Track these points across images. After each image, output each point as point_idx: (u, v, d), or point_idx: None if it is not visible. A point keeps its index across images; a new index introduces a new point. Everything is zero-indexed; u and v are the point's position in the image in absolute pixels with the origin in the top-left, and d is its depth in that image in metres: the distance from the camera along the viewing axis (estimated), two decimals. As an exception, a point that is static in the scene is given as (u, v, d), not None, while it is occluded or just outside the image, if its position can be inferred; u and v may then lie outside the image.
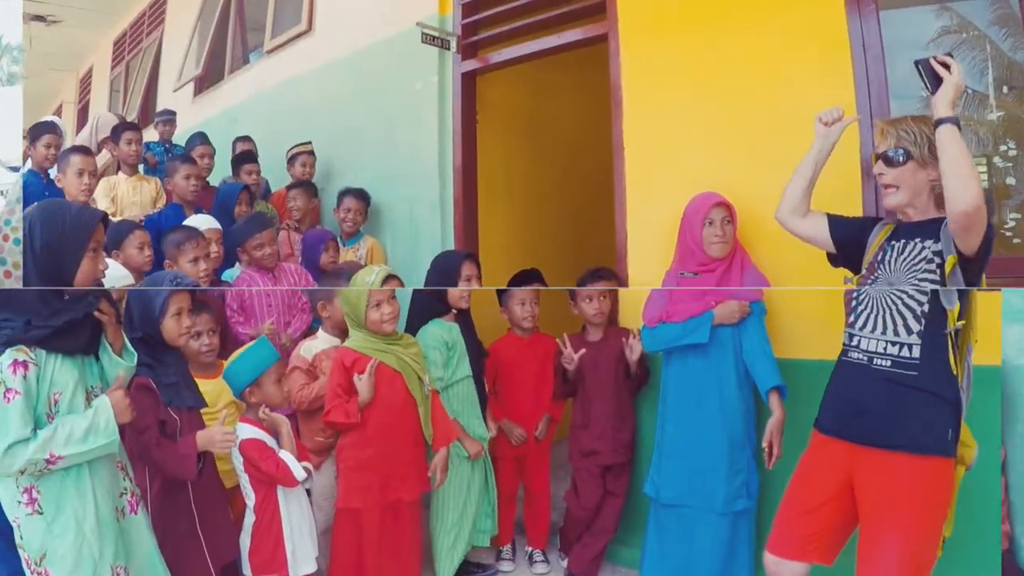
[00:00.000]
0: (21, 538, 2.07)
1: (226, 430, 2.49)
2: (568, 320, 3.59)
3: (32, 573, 2.08)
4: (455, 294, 3.31)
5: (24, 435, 1.97)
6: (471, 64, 4.37)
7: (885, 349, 2.16)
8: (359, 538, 2.95)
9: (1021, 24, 2.73)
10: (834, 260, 2.47)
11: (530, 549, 3.68)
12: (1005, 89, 2.97)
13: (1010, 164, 2.99)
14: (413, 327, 3.34)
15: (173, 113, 6.51)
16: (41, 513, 2.06)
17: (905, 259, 2.21)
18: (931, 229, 2.19)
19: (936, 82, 2.07)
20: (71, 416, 2.07)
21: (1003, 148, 2.98)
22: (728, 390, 2.94)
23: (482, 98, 4.57)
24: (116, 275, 2.92)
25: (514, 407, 3.57)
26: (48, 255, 2.09)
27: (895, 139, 2.21)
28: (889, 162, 2.22)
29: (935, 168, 2.14)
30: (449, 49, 4.38)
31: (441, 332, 3.29)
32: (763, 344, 2.93)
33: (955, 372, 2.10)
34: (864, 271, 2.31)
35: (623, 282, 3.56)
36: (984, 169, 3.09)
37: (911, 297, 2.14)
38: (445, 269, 3.38)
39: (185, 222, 3.82)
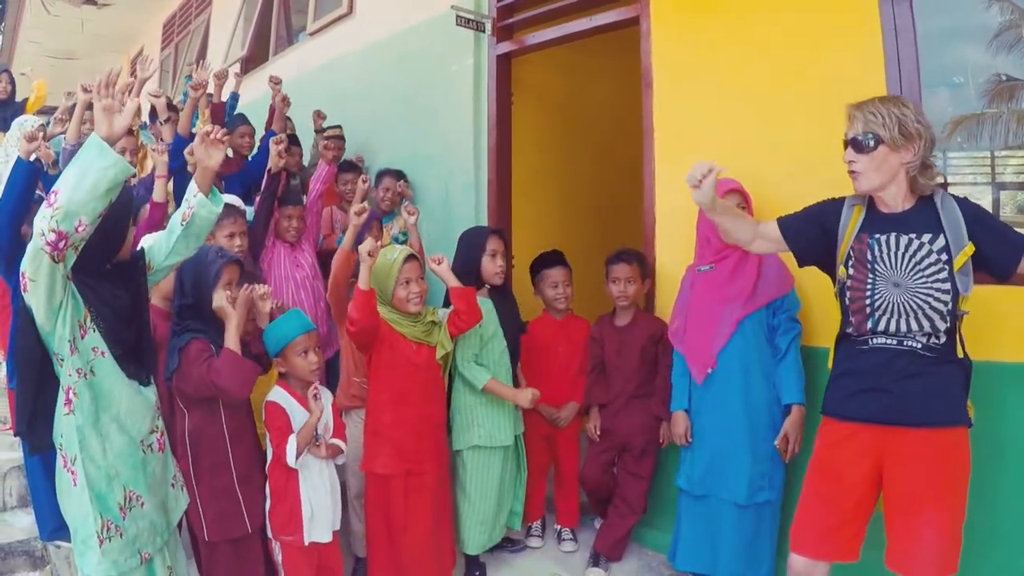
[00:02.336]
0: (61, 436, 2.15)
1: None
2: (602, 302, 3.62)
3: (66, 470, 2.15)
4: (489, 269, 3.33)
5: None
6: (506, 46, 4.41)
7: (915, 335, 2.14)
8: (387, 501, 3.01)
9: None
10: (801, 261, 2.44)
11: (559, 527, 3.72)
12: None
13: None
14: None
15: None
16: (73, 414, 2.12)
17: (905, 256, 2.15)
18: (921, 222, 2.16)
19: None
20: None
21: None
22: (754, 383, 2.94)
23: (517, 80, 4.60)
24: None
25: (545, 387, 3.54)
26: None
27: (863, 123, 2.15)
28: (859, 147, 2.16)
29: (908, 150, 2.12)
30: (484, 32, 4.42)
31: None
32: (796, 359, 2.92)
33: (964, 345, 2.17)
34: (852, 271, 2.24)
35: (651, 265, 3.57)
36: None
37: (937, 300, 2.10)
38: (472, 243, 3.40)
39: None
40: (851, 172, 2.20)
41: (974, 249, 2.09)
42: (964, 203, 2.16)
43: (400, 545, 3.00)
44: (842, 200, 2.33)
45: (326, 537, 2.80)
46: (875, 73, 2.84)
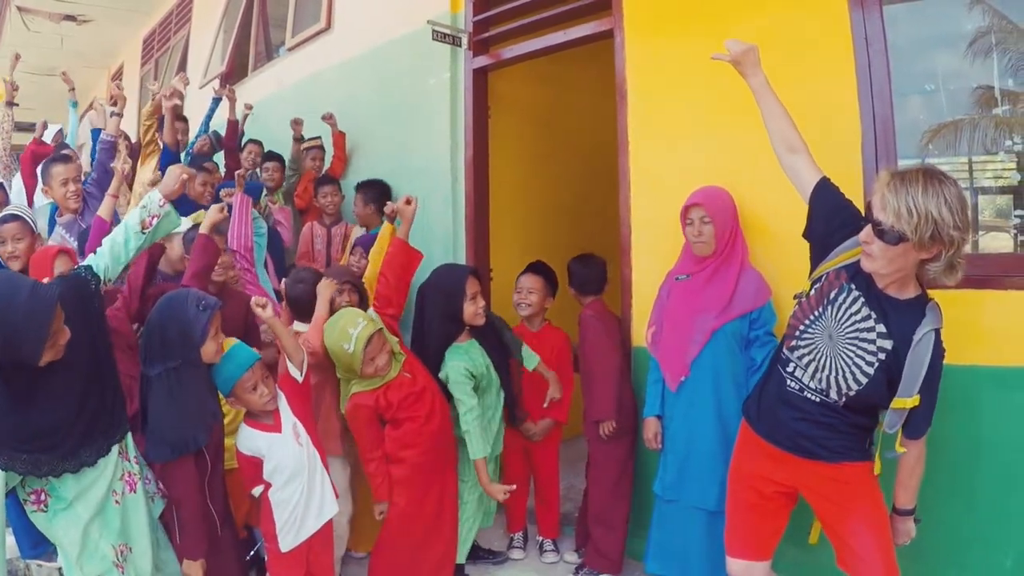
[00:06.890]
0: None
1: None
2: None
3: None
4: (470, 311, 3.20)
5: None
6: (482, 60, 4.42)
7: (816, 388, 2.17)
8: (409, 528, 3.06)
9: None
10: (806, 231, 2.27)
11: (541, 538, 3.73)
12: (1011, 82, 2.94)
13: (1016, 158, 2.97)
14: (431, 347, 3.26)
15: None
16: (45, 511, 2.28)
17: (854, 324, 2.06)
18: (895, 311, 2.02)
19: None
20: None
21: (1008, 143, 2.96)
22: (725, 393, 2.93)
23: (496, 93, 4.61)
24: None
25: (523, 398, 3.54)
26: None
27: (894, 216, 1.88)
28: (881, 235, 1.93)
29: (929, 251, 1.91)
30: (460, 46, 4.42)
31: (462, 363, 3.19)
32: None
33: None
34: (812, 292, 2.17)
35: (627, 276, 3.55)
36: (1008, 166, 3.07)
37: (844, 381, 2.08)
38: (451, 289, 3.25)
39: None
40: (863, 249, 2.01)
41: (918, 403, 2.02)
42: (936, 353, 2.00)
43: (421, 563, 3.06)
44: (859, 219, 2.15)
45: (313, 528, 2.79)
46: (847, 82, 2.86)
